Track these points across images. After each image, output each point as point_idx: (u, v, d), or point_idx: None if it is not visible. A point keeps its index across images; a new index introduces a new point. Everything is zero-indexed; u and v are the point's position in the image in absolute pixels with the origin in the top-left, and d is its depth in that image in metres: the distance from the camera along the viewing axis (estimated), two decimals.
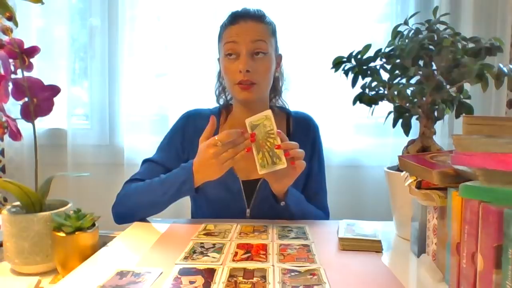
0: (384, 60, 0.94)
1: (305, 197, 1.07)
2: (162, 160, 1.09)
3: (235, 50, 1.01)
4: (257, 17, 1.04)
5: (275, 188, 0.96)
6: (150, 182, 0.98)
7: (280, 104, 1.19)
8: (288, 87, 1.21)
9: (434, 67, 0.88)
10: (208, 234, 0.86)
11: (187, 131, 1.11)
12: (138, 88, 1.66)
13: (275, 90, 1.16)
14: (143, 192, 0.97)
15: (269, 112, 0.88)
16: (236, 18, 1.03)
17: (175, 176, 0.94)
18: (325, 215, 1.12)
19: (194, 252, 0.75)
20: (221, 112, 1.15)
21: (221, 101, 1.18)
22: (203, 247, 0.78)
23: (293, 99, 1.44)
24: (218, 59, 1.13)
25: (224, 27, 1.06)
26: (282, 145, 0.86)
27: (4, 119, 0.80)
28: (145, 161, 1.11)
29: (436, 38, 0.87)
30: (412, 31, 0.90)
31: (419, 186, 0.69)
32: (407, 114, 0.94)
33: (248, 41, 1.00)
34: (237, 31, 1.02)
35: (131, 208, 0.98)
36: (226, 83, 1.08)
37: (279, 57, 1.12)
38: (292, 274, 0.65)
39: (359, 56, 0.94)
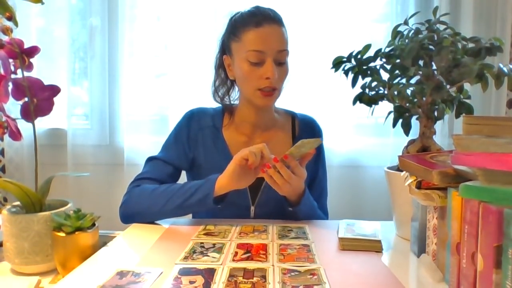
0: (384, 60, 0.94)
1: None
2: (170, 158, 1.07)
3: (260, 58, 0.99)
4: (278, 20, 1.02)
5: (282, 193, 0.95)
6: (167, 186, 0.97)
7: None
8: (287, 85, 1.20)
9: (434, 67, 0.88)
10: (208, 234, 0.86)
11: (192, 129, 1.10)
12: (138, 88, 1.65)
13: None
14: (160, 195, 0.95)
15: (319, 141, 0.92)
16: (260, 20, 0.99)
17: (197, 186, 0.94)
18: (325, 218, 1.13)
19: (194, 252, 0.75)
20: (224, 112, 1.13)
21: (217, 98, 1.13)
22: (203, 247, 0.78)
23: (293, 99, 1.44)
24: (221, 55, 1.09)
25: (245, 27, 1.00)
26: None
27: (4, 119, 0.80)
28: (150, 159, 1.08)
29: (436, 38, 0.87)
30: (412, 31, 0.90)
31: (419, 186, 0.69)
32: (407, 114, 0.94)
33: (275, 51, 0.99)
34: (263, 37, 0.98)
35: (144, 210, 0.96)
36: (243, 87, 1.04)
37: None
38: (292, 274, 0.65)
39: (359, 56, 0.95)
